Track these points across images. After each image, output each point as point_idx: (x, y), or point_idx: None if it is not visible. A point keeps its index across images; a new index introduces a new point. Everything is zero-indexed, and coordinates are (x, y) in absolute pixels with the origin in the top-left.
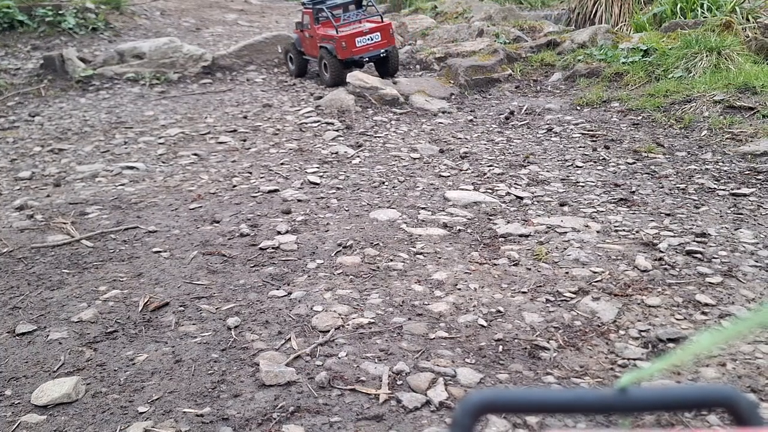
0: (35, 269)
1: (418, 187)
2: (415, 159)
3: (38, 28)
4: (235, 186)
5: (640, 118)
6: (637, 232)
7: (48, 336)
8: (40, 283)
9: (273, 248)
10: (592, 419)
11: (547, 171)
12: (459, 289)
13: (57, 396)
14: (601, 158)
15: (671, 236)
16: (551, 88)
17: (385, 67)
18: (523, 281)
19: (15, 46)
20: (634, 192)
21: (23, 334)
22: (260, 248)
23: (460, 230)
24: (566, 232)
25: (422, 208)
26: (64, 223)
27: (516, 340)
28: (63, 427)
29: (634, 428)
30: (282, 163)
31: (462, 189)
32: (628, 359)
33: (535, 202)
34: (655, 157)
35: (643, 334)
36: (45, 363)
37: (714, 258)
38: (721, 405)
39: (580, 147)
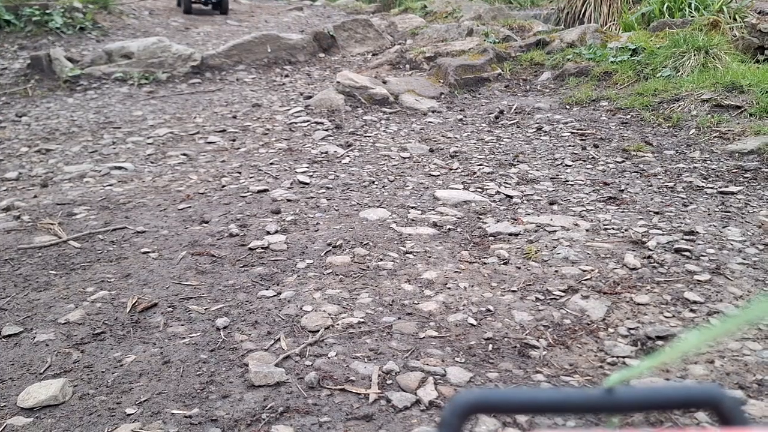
0: (22, 270)
1: (407, 186)
2: (404, 158)
3: (25, 27)
4: (224, 186)
5: (629, 116)
6: (626, 230)
7: (35, 338)
8: (27, 285)
9: (262, 248)
10: (582, 418)
11: (537, 170)
12: (449, 288)
13: (44, 398)
14: (590, 157)
15: (660, 234)
16: (540, 87)
17: (221, 7)
18: (513, 280)
19: (1, 45)
20: (623, 190)
21: (9, 336)
22: (249, 248)
23: (450, 229)
24: (556, 231)
25: (412, 208)
26: (52, 224)
27: (506, 339)
28: (50, 429)
29: (622, 426)
30: (271, 163)
31: (452, 188)
32: (618, 357)
33: (525, 201)
34: (644, 156)
35: (632, 332)
36: (32, 365)
37: (702, 256)
38: (706, 404)
39: (570, 146)
